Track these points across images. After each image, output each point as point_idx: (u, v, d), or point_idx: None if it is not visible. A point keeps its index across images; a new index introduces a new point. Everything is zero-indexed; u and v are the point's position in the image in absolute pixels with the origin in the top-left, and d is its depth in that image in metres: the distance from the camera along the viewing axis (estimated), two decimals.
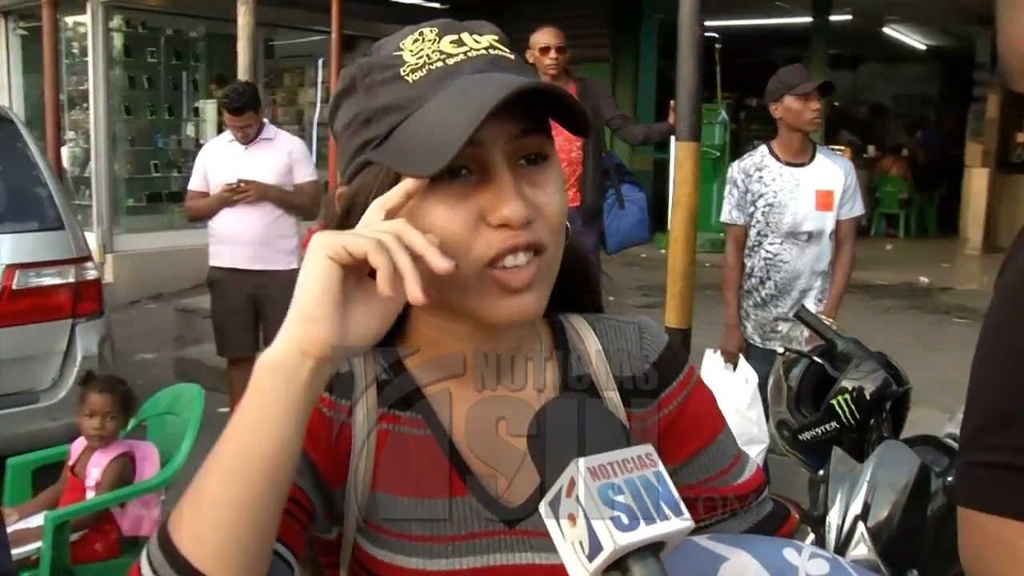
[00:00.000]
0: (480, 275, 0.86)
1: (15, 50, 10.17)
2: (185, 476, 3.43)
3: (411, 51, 0.88)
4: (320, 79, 11.65)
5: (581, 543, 0.70)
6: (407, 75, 0.87)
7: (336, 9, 8.13)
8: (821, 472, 2.10)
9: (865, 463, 1.99)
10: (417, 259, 0.76)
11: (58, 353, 4.30)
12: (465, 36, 0.89)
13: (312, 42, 11.30)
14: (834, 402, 2.23)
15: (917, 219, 13.42)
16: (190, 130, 10.34)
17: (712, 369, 3.91)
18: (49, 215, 4.43)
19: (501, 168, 0.84)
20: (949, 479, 2.00)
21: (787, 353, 2.54)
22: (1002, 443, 0.83)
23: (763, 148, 3.90)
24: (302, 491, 0.88)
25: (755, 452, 3.68)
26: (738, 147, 12.03)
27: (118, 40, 9.60)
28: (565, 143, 4.72)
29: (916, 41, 15.16)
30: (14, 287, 4.16)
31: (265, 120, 5.07)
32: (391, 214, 0.81)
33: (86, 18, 9.04)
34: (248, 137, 4.89)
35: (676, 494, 0.73)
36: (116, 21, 9.49)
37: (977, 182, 11.98)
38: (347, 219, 0.90)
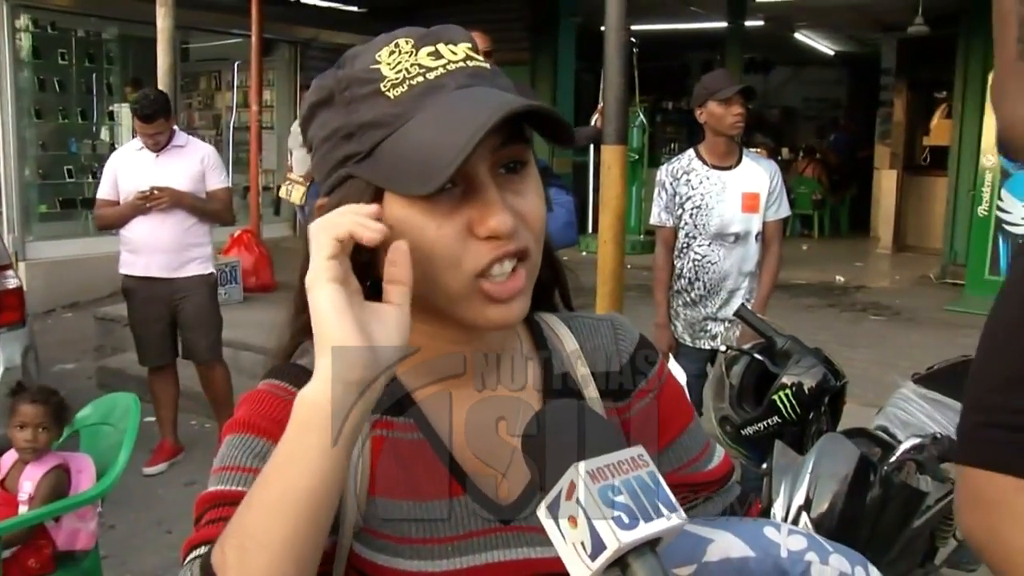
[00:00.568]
0: (470, 286, 0.88)
1: None
2: (121, 487, 3.37)
3: (388, 64, 0.89)
4: (237, 82, 11.51)
5: (583, 543, 0.73)
6: (388, 91, 0.87)
7: (256, 12, 8.04)
8: (764, 466, 2.17)
9: (807, 456, 2.06)
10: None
11: None
12: (442, 47, 0.90)
13: (228, 45, 11.15)
14: (775, 397, 2.30)
15: (830, 219, 13.81)
16: (104, 135, 10.09)
17: None
18: None
19: (486, 181, 0.86)
20: (885, 469, 2.09)
21: (728, 351, 2.61)
22: (1004, 405, 0.89)
23: (690, 152, 3.99)
24: None
25: None
26: (655, 150, 12.24)
27: (25, 40, 9.31)
28: None
29: (825, 47, 15.59)
30: None
31: (175, 127, 5.03)
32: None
33: None
34: (159, 144, 4.84)
35: (670, 492, 0.77)
36: (23, 21, 9.20)
37: (886, 183, 12.37)
38: None
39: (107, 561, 3.50)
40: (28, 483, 3.04)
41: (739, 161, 3.90)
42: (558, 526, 0.75)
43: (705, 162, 3.90)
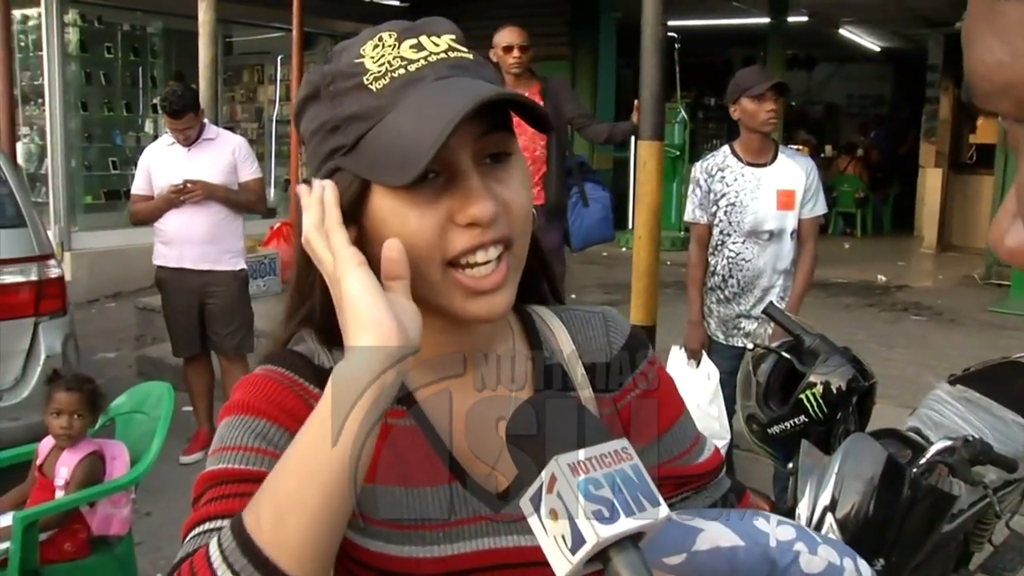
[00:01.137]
0: (445, 273, 0.90)
1: None
2: (155, 475, 3.42)
3: (372, 58, 0.90)
4: (279, 76, 11.61)
5: (563, 537, 0.73)
6: (370, 84, 0.89)
7: (296, 6, 8.09)
8: (791, 465, 2.15)
9: (833, 456, 2.04)
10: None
11: (21, 352, 4.25)
12: (424, 39, 0.91)
13: (271, 39, 11.24)
14: (802, 396, 2.28)
15: (873, 218, 13.63)
16: (148, 127, 10.22)
17: (676, 365, 3.96)
18: (9, 212, 4.37)
19: (468, 169, 0.88)
20: (914, 471, 2.06)
21: (756, 349, 2.59)
22: None
23: (725, 148, 3.96)
24: None
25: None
26: (696, 146, 12.16)
27: (73, 34, 9.46)
28: (529, 142, 4.75)
29: (870, 42, 15.39)
30: None
31: (205, 121, 5.09)
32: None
33: (39, 11, 8.90)
34: (189, 139, 4.89)
35: (653, 486, 0.76)
36: (71, 15, 9.36)
37: (931, 182, 12.18)
38: None
39: (142, 547, 3.56)
40: (64, 469, 3.09)
41: (774, 158, 3.86)
42: (540, 519, 0.75)
43: (740, 159, 3.87)
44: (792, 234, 3.85)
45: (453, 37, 0.93)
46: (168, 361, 5.91)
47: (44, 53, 8.94)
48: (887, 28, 13.99)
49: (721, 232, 3.88)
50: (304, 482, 0.79)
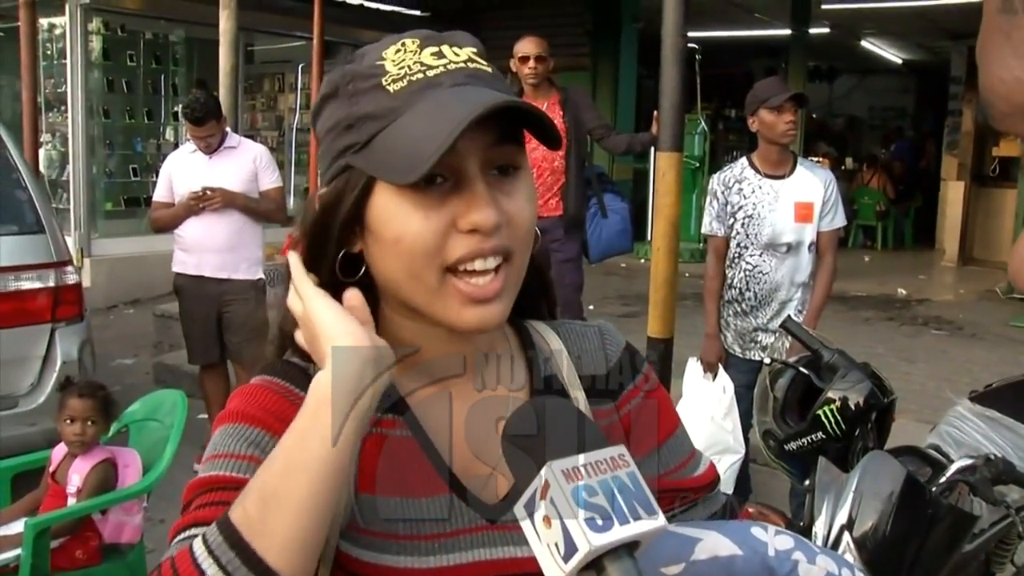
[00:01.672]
0: (443, 278, 0.90)
1: None
2: (168, 482, 3.41)
3: (393, 61, 0.91)
4: (300, 85, 11.65)
5: (557, 544, 0.72)
6: (388, 85, 0.90)
7: (318, 15, 8.12)
8: (807, 482, 2.12)
9: (851, 473, 2.00)
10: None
11: (37, 358, 4.26)
12: (445, 48, 0.92)
13: (292, 48, 11.28)
14: (820, 412, 2.25)
15: (894, 231, 13.54)
16: (169, 134, 10.27)
17: (692, 378, 3.93)
18: (29, 219, 4.39)
19: (474, 177, 0.89)
20: (934, 490, 2.02)
21: (773, 363, 2.55)
22: None
23: (743, 160, 3.93)
24: None
25: (729, 463, 3.70)
26: (717, 158, 12.13)
27: (96, 43, 9.53)
28: (548, 153, 4.74)
29: (892, 54, 15.32)
30: None
31: (228, 129, 5.09)
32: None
33: (64, 20, 8.97)
34: (211, 147, 4.90)
35: (649, 494, 0.75)
36: (95, 23, 9.42)
37: (953, 195, 12.09)
38: (325, 219, 0.94)
39: (154, 555, 3.54)
40: (76, 476, 3.09)
41: (793, 170, 3.83)
42: (534, 526, 0.74)
43: (758, 171, 3.84)
44: (810, 247, 3.81)
45: (474, 50, 0.94)
46: (185, 368, 5.92)
47: (68, 61, 9.01)
48: (909, 40, 13.92)
49: (738, 244, 3.85)
50: (290, 473, 0.81)
